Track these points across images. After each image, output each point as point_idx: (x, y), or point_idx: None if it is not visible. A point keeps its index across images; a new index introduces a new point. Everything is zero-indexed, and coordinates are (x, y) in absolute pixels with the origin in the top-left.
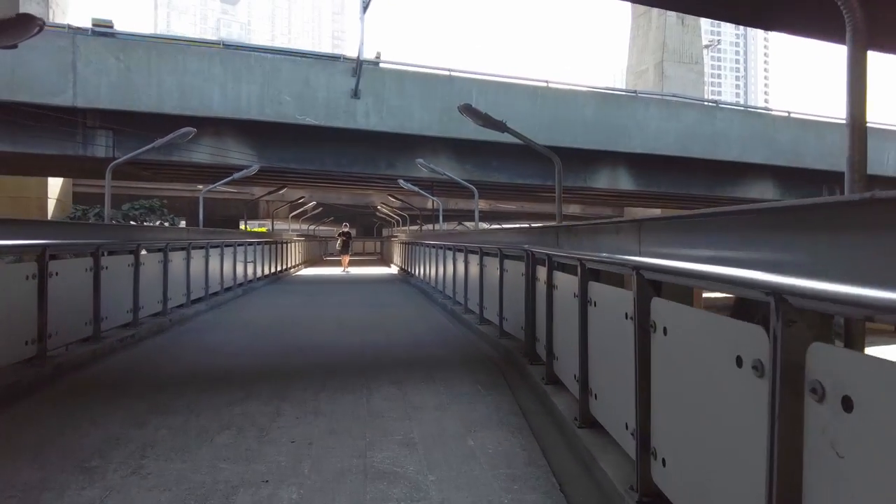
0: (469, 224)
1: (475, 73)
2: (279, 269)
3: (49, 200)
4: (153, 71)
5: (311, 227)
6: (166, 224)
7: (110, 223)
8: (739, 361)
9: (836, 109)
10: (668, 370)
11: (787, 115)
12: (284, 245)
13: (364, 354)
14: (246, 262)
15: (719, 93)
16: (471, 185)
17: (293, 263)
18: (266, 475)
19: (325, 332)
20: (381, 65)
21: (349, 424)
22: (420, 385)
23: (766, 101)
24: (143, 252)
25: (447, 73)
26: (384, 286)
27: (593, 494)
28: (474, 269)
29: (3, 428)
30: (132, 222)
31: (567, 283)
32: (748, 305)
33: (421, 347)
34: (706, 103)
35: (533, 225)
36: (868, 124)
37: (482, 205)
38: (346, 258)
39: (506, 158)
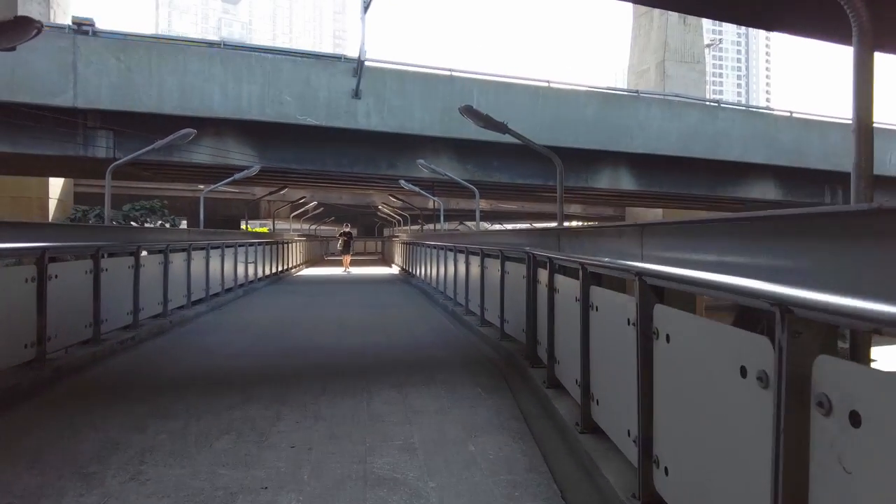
0: (470, 224)
1: (476, 73)
2: (280, 269)
3: (50, 200)
4: (154, 71)
5: (313, 226)
6: (167, 225)
7: (110, 225)
8: (744, 371)
9: (838, 109)
10: (671, 378)
11: (789, 114)
12: (285, 245)
13: (365, 356)
14: (247, 263)
15: (721, 92)
16: (472, 186)
17: (294, 263)
18: (265, 481)
19: (325, 333)
20: (383, 65)
21: (349, 429)
22: (421, 388)
23: (767, 100)
24: (144, 253)
25: (448, 72)
26: (385, 287)
27: (595, 502)
28: (475, 271)
29: (2, 432)
30: (133, 223)
31: (568, 287)
32: (752, 312)
33: (422, 349)
34: (708, 103)
35: (534, 225)
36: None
37: (483, 204)
38: (348, 258)
39: (507, 158)
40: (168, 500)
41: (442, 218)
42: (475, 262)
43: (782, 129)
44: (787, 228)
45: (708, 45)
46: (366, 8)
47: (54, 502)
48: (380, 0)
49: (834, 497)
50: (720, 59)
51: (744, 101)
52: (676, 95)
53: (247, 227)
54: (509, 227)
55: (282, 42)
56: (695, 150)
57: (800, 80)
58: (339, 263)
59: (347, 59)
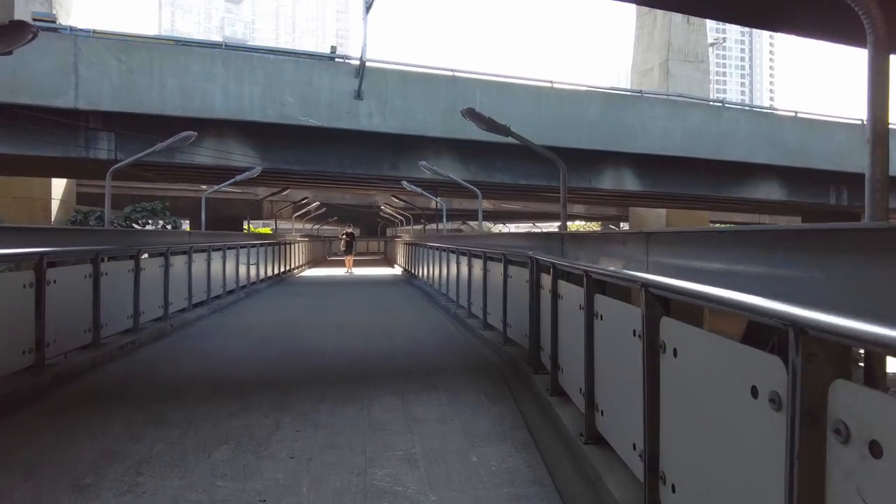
0: (473, 223)
1: (478, 74)
2: (282, 270)
3: (53, 201)
4: (155, 72)
5: (315, 226)
6: (168, 227)
7: (111, 228)
8: (755, 392)
9: (842, 109)
10: (679, 393)
11: (793, 114)
12: (287, 246)
13: (366, 361)
14: (248, 265)
15: (724, 91)
16: (474, 188)
17: (297, 264)
18: (263, 494)
19: (326, 336)
20: (385, 65)
21: (349, 438)
22: (422, 395)
23: (771, 99)
24: (145, 256)
25: (450, 73)
26: (388, 288)
27: None
28: (478, 274)
29: None
30: (134, 225)
31: (572, 294)
32: (763, 325)
33: (423, 354)
34: (712, 103)
35: (537, 225)
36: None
37: (486, 204)
38: (350, 259)
39: (509, 159)
40: None
41: (445, 218)
42: (478, 264)
43: (787, 130)
44: (799, 243)
45: (712, 45)
46: (367, 8)
47: None
48: (382, 0)
49: None
50: (724, 58)
51: (747, 101)
52: (680, 95)
53: (249, 228)
54: (512, 227)
55: (284, 42)
56: (699, 150)
57: (804, 79)
58: (341, 264)
59: (333, 56)
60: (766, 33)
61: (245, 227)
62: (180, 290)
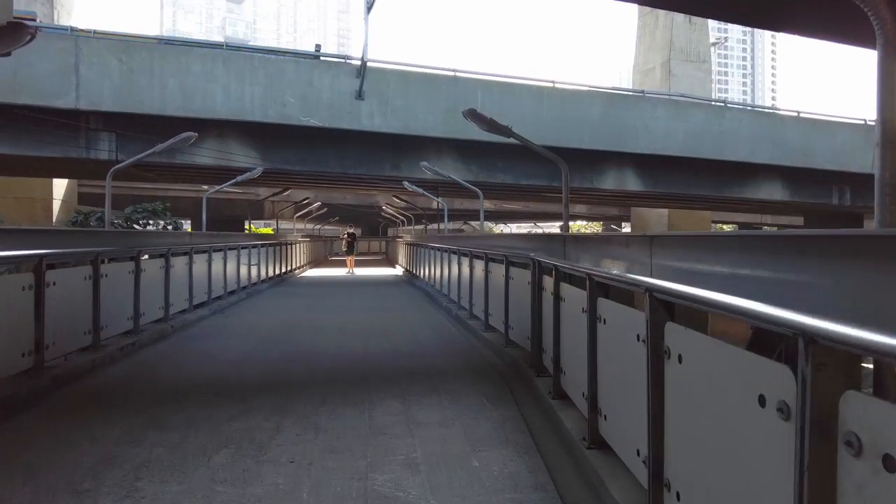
0: (474, 223)
1: (480, 74)
2: (284, 270)
3: (54, 201)
4: (156, 72)
5: (317, 226)
6: (169, 227)
7: (111, 229)
8: (762, 401)
9: (843, 108)
10: (684, 400)
11: (796, 114)
12: (289, 246)
13: (367, 363)
14: (249, 265)
15: (726, 91)
16: (475, 188)
17: (298, 264)
18: (263, 499)
19: (327, 338)
20: (386, 66)
21: (350, 442)
22: (423, 398)
23: (773, 99)
24: (145, 257)
25: (452, 73)
26: (389, 289)
27: None
28: (479, 275)
29: None
30: (135, 226)
31: (575, 297)
32: (770, 331)
33: (425, 356)
34: (714, 103)
35: (538, 224)
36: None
37: (487, 204)
38: (352, 259)
39: (511, 159)
40: None
41: (446, 218)
42: (479, 265)
43: (789, 129)
44: (805, 248)
45: (713, 44)
46: (369, 8)
47: None
48: (383, 0)
49: None
50: (725, 57)
51: (749, 101)
52: (682, 95)
53: (251, 228)
54: (513, 227)
55: (286, 42)
56: (701, 150)
57: (805, 79)
58: (343, 264)
59: (318, 54)
60: (767, 33)
61: (246, 227)
62: (181, 291)
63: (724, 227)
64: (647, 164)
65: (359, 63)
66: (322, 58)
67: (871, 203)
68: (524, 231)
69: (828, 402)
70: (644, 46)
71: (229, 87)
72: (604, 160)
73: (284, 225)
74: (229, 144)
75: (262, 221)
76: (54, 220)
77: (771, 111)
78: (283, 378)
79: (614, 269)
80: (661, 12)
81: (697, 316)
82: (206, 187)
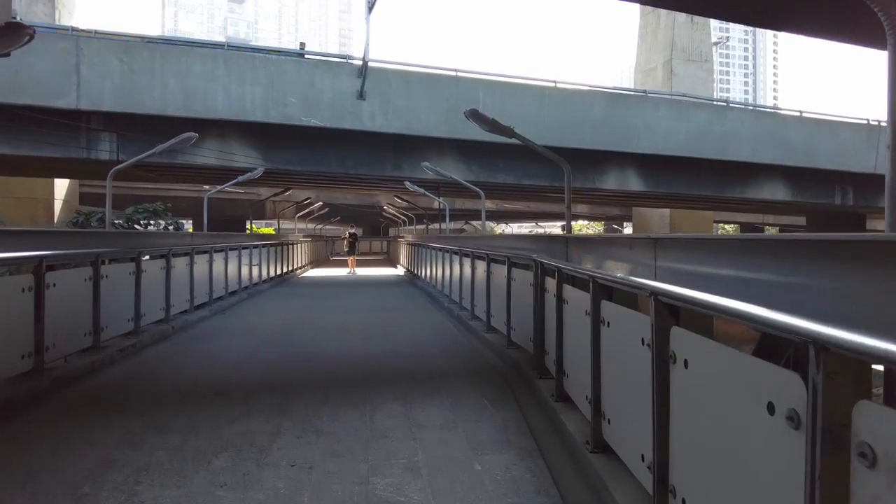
0: (476, 223)
1: (481, 74)
2: (285, 270)
3: (55, 201)
4: (157, 73)
5: (318, 226)
6: (170, 228)
7: (112, 230)
8: (771, 408)
9: (846, 108)
10: (690, 406)
11: (798, 114)
12: (290, 246)
13: (368, 364)
14: (251, 265)
15: (728, 90)
16: (477, 189)
17: (300, 264)
18: (264, 503)
19: (328, 340)
20: (387, 66)
21: (351, 445)
22: (425, 400)
23: (775, 98)
24: (146, 258)
25: (453, 73)
26: (390, 289)
27: None
28: (481, 276)
29: None
30: (136, 226)
31: (578, 299)
32: (776, 337)
33: (426, 357)
34: (716, 103)
35: (539, 224)
36: (885, 123)
37: (488, 204)
38: (353, 259)
39: (512, 159)
40: None
41: (447, 218)
42: (481, 266)
43: (792, 129)
44: (810, 251)
45: (715, 44)
46: (370, 8)
47: None
48: (385, 0)
49: None
50: (727, 56)
51: (750, 100)
52: (684, 95)
53: (252, 228)
54: (514, 226)
55: (287, 41)
56: (703, 150)
57: (807, 78)
58: (344, 264)
59: (302, 52)
60: (769, 32)
61: (248, 227)
62: (182, 291)
63: (726, 226)
64: (649, 164)
65: (360, 63)
66: (307, 56)
67: (874, 203)
68: (526, 231)
69: (840, 412)
70: (646, 46)
71: (230, 88)
72: (606, 160)
73: (286, 225)
74: (230, 145)
75: (263, 221)
76: (56, 220)
77: (773, 111)
78: (283, 379)
79: (618, 271)
80: (663, 12)
81: (703, 320)
82: (207, 187)
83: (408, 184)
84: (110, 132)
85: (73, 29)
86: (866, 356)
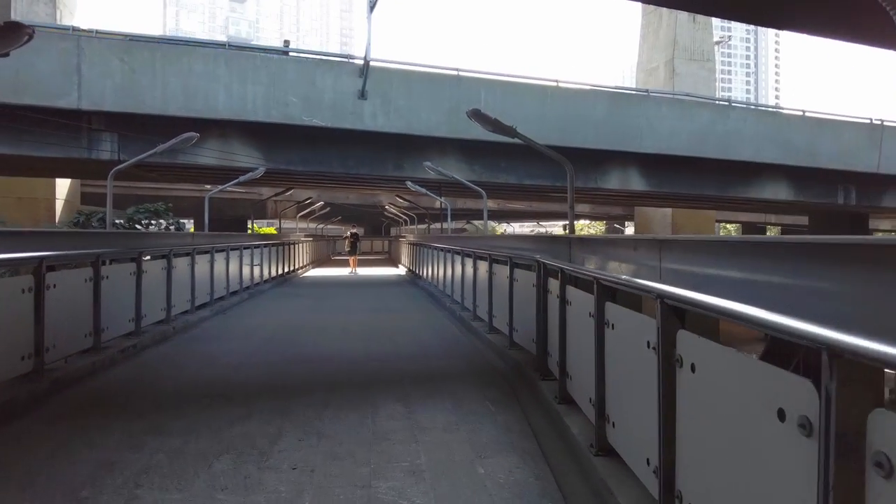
0: (477, 223)
1: (483, 73)
2: (286, 270)
3: (57, 201)
4: (158, 72)
5: (320, 226)
6: (172, 228)
7: (112, 230)
8: (782, 415)
9: (848, 107)
10: (697, 410)
11: (801, 114)
12: (292, 246)
13: (370, 365)
14: (252, 265)
15: (730, 90)
16: (479, 188)
17: (301, 264)
18: None
19: (330, 340)
20: (389, 65)
21: (353, 447)
22: (427, 402)
23: (777, 97)
24: (147, 258)
25: (455, 72)
26: (392, 289)
27: None
28: (483, 276)
29: None
30: (138, 226)
31: (581, 300)
32: (785, 341)
33: (428, 358)
34: (719, 103)
35: (541, 224)
36: (887, 122)
37: (490, 203)
38: (354, 259)
39: (514, 159)
40: None
41: (449, 218)
42: (483, 266)
43: (795, 129)
44: (818, 254)
45: (717, 43)
46: (371, 8)
47: None
48: (386, 0)
49: None
50: (729, 56)
51: (752, 99)
52: (687, 94)
53: (254, 228)
54: (516, 226)
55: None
56: (706, 150)
57: (809, 77)
58: (346, 263)
59: (287, 49)
60: (771, 31)
61: (249, 227)
62: (183, 292)
63: (729, 226)
64: (651, 163)
65: (362, 62)
66: (291, 53)
67: (877, 203)
68: (527, 230)
69: (854, 420)
70: (648, 45)
71: (231, 87)
72: (608, 160)
73: (287, 224)
74: (232, 144)
75: (265, 221)
76: (57, 220)
77: (776, 110)
78: (284, 381)
79: (622, 272)
80: (665, 11)
81: (709, 322)
82: (208, 187)
83: (409, 184)
84: (111, 132)
85: (75, 29)
86: (884, 363)
